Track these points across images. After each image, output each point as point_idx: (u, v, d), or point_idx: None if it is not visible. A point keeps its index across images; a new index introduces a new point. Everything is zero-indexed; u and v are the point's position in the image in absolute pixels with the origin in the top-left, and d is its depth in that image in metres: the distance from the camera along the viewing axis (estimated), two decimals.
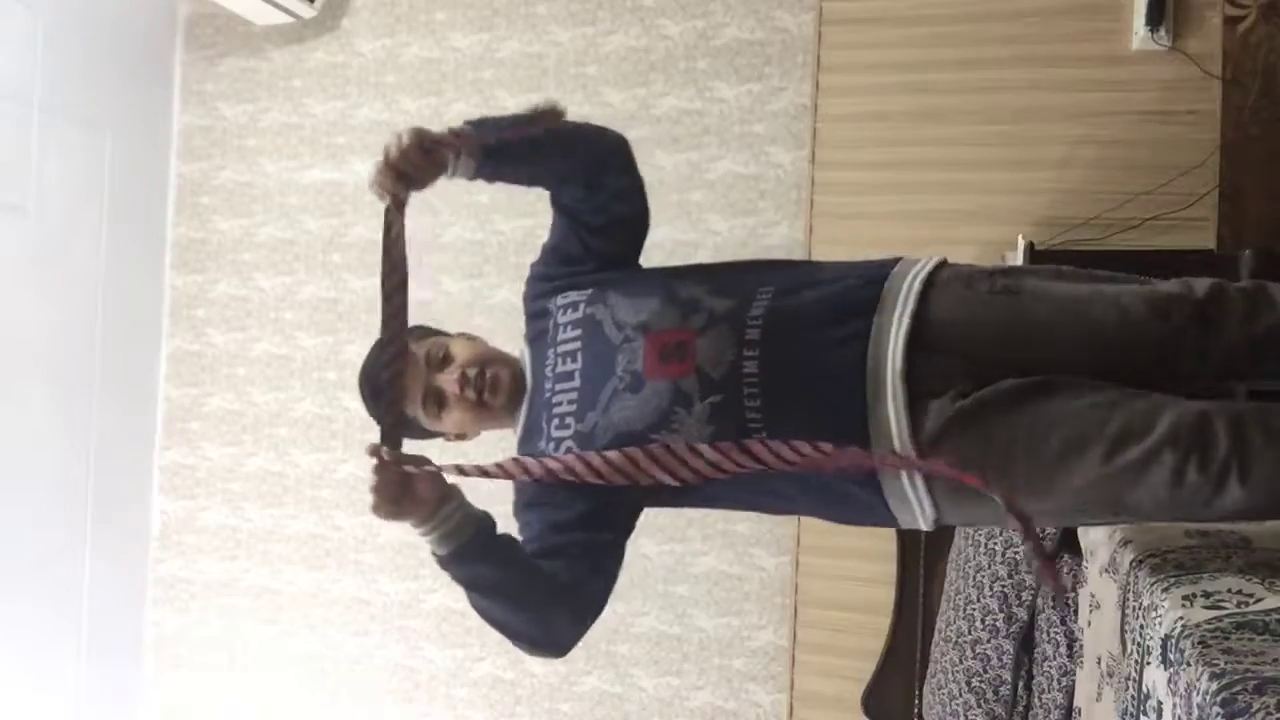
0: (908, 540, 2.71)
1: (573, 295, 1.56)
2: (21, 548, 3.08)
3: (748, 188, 2.99)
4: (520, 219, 3.14)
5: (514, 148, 1.49)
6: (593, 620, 1.50)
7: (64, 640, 3.25)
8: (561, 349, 1.54)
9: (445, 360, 1.57)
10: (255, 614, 3.44)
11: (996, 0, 2.78)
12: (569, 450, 1.47)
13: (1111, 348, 1.36)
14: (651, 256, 1.63)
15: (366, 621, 3.33)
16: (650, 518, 3.26)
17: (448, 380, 1.55)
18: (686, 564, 3.03)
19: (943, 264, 1.49)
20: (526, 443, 1.58)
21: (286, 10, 3.25)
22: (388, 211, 1.45)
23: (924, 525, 1.43)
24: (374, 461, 1.37)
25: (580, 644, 1.46)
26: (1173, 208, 2.59)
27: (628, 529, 1.54)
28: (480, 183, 1.56)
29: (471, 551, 1.41)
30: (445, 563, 1.42)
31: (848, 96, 2.90)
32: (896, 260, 1.50)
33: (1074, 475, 1.32)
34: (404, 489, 1.37)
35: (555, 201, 1.61)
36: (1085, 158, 2.71)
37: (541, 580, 1.44)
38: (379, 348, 1.56)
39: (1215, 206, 2.57)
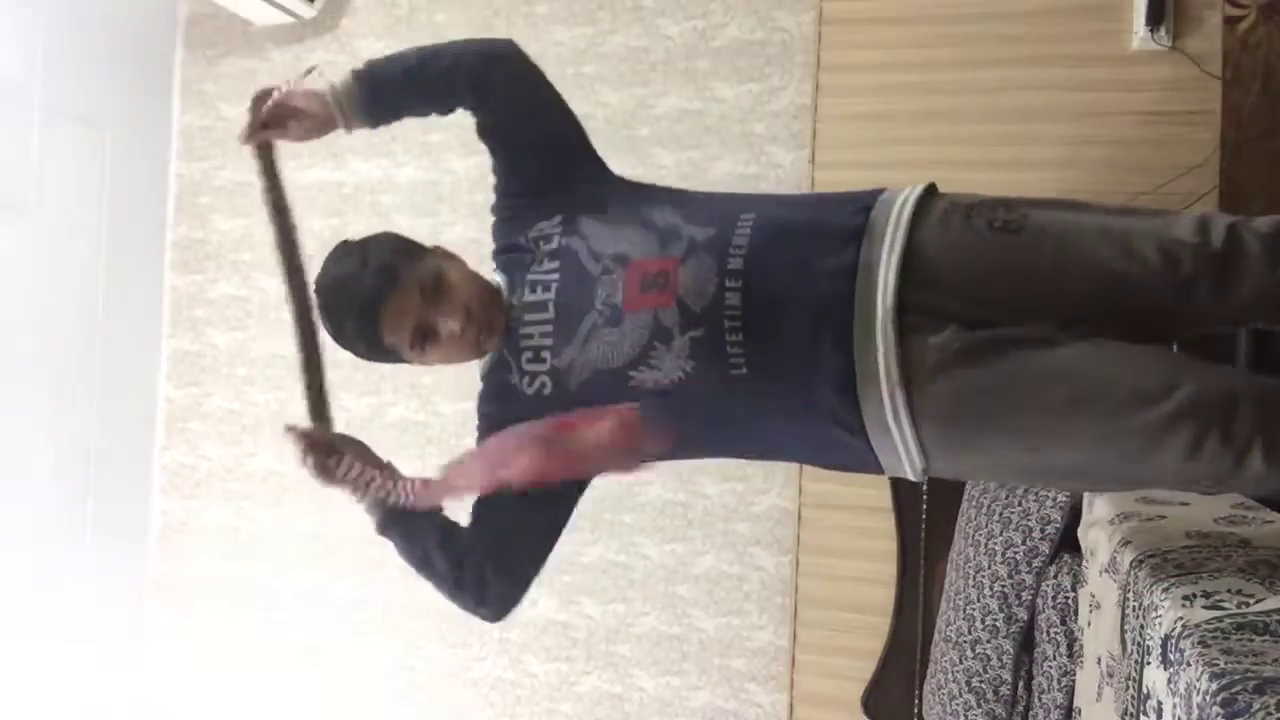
0: (908, 540, 2.71)
1: (544, 226, 1.49)
2: (22, 548, 3.08)
3: (748, 187, 2.99)
4: None
5: (391, 84, 1.49)
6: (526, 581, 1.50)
7: (64, 640, 3.24)
8: (534, 278, 1.47)
9: (439, 291, 1.45)
10: (255, 614, 3.44)
11: (997, 0, 2.78)
12: (542, 386, 1.45)
13: (1116, 291, 1.31)
14: None
15: (366, 622, 3.33)
16: (651, 518, 3.27)
17: (447, 319, 1.45)
18: (686, 564, 3.03)
19: (933, 190, 1.43)
20: (493, 376, 1.53)
21: (286, 10, 3.25)
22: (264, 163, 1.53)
23: (911, 475, 1.39)
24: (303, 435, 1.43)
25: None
26: (1173, 208, 2.59)
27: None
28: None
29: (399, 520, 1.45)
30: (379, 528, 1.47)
31: (848, 96, 2.90)
32: (882, 190, 1.44)
33: (1079, 430, 1.27)
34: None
35: (478, 128, 1.55)
36: (1086, 158, 2.70)
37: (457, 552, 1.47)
38: (361, 262, 1.45)
39: (1215, 206, 2.57)
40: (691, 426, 1.41)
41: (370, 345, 1.47)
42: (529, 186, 1.53)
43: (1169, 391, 1.23)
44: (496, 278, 1.54)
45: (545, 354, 1.44)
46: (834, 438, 1.38)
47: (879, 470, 1.41)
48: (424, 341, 1.46)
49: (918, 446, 1.34)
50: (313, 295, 1.46)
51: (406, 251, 1.49)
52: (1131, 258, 1.30)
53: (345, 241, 1.52)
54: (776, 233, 1.37)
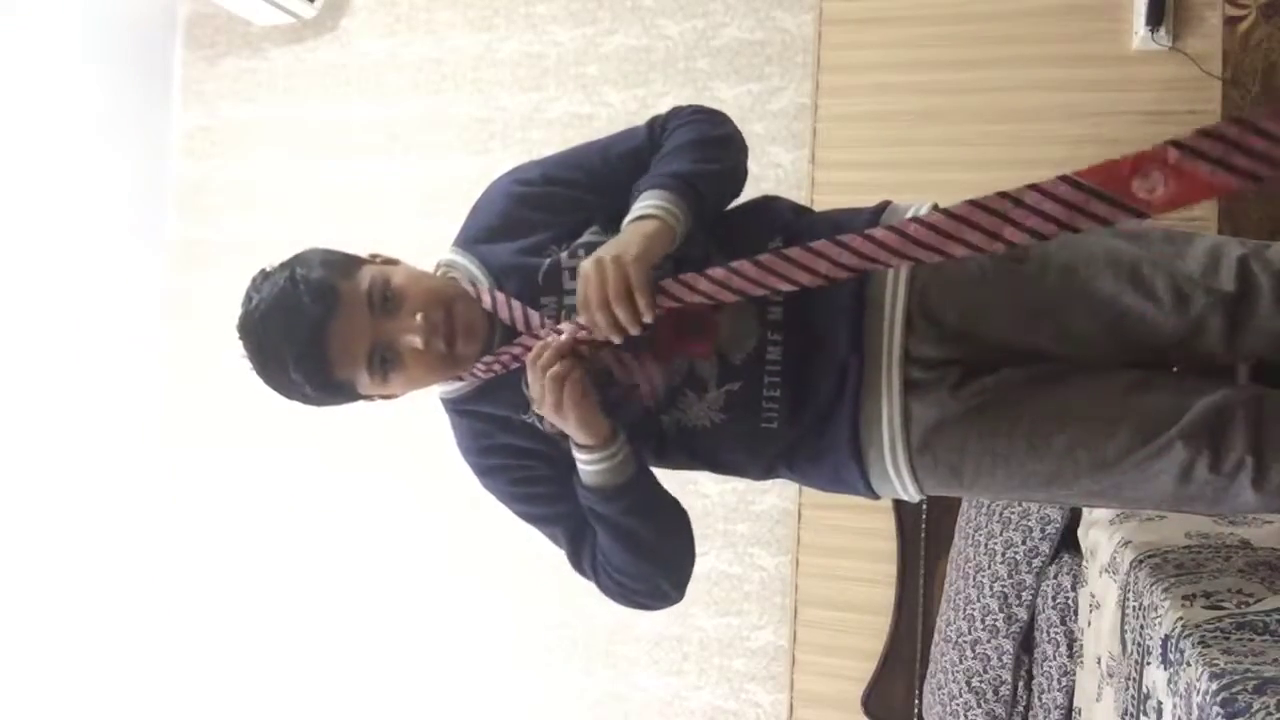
0: (908, 540, 2.71)
1: (584, 235, 1.31)
2: (24, 550, 3.08)
3: (748, 187, 2.96)
4: None
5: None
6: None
7: (73, 643, 3.25)
8: (567, 301, 1.28)
9: (389, 300, 1.22)
10: (263, 621, 3.44)
11: (996, 0, 2.78)
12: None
13: (1122, 326, 1.27)
14: None
15: (367, 625, 3.33)
16: None
17: (406, 330, 1.22)
18: None
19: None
20: (492, 408, 1.34)
21: (286, 10, 3.26)
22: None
23: (911, 499, 1.38)
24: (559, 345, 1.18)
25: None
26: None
27: None
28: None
29: (642, 480, 1.30)
30: (613, 494, 1.27)
31: (848, 96, 2.90)
32: (883, 208, 1.37)
33: (1081, 472, 1.27)
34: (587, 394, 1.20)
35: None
36: (1085, 158, 2.66)
37: (679, 511, 1.37)
38: (292, 286, 1.20)
39: (1215, 206, 2.57)
40: (689, 460, 1.38)
41: (320, 384, 1.23)
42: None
43: (1165, 426, 1.23)
44: (467, 261, 1.35)
45: None
46: (831, 476, 1.37)
47: (874, 498, 1.40)
48: (385, 365, 1.23)
49: (916, 489, 1.34)
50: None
51: (339, 264, 1.25)
52: (1140, 291, 1.26)
53: (262, 270, 1.28)
54: None
